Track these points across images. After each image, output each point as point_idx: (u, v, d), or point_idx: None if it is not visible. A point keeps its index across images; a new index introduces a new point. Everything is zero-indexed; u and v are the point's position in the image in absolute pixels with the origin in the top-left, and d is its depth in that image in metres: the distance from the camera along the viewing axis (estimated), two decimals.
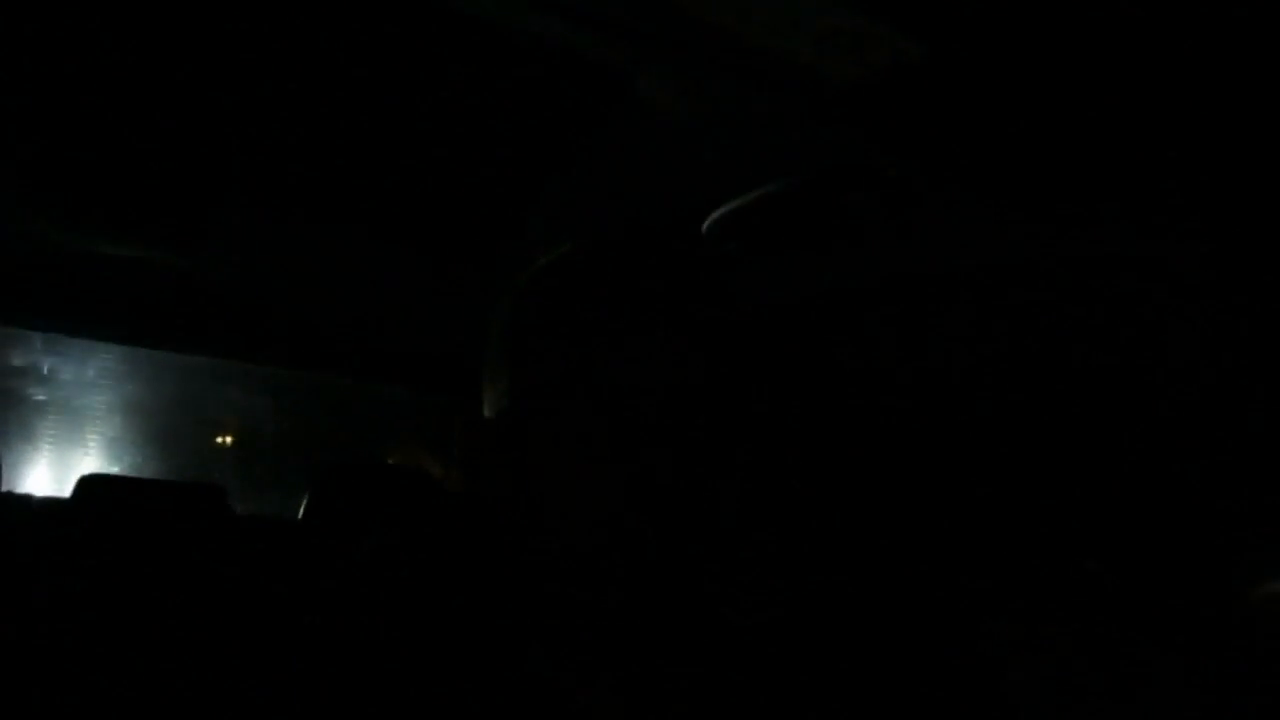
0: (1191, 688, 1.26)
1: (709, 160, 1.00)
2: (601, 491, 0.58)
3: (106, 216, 1.50)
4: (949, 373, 1.27)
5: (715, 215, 1.09)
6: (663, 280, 0.62)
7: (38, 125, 1.23)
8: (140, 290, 1.82)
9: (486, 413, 0.65)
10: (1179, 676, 1.27)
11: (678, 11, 0.72)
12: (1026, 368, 1.17)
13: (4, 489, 1.81)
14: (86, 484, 1.85)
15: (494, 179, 1.24)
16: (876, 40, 0.69)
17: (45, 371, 3.79)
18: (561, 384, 0.60)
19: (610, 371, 0.59)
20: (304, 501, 2.06)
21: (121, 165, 1.33)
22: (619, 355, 0.59)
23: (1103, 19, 0.68)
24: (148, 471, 4.04)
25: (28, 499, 2.03)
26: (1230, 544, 1.31)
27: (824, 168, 0.94)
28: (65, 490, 1.91)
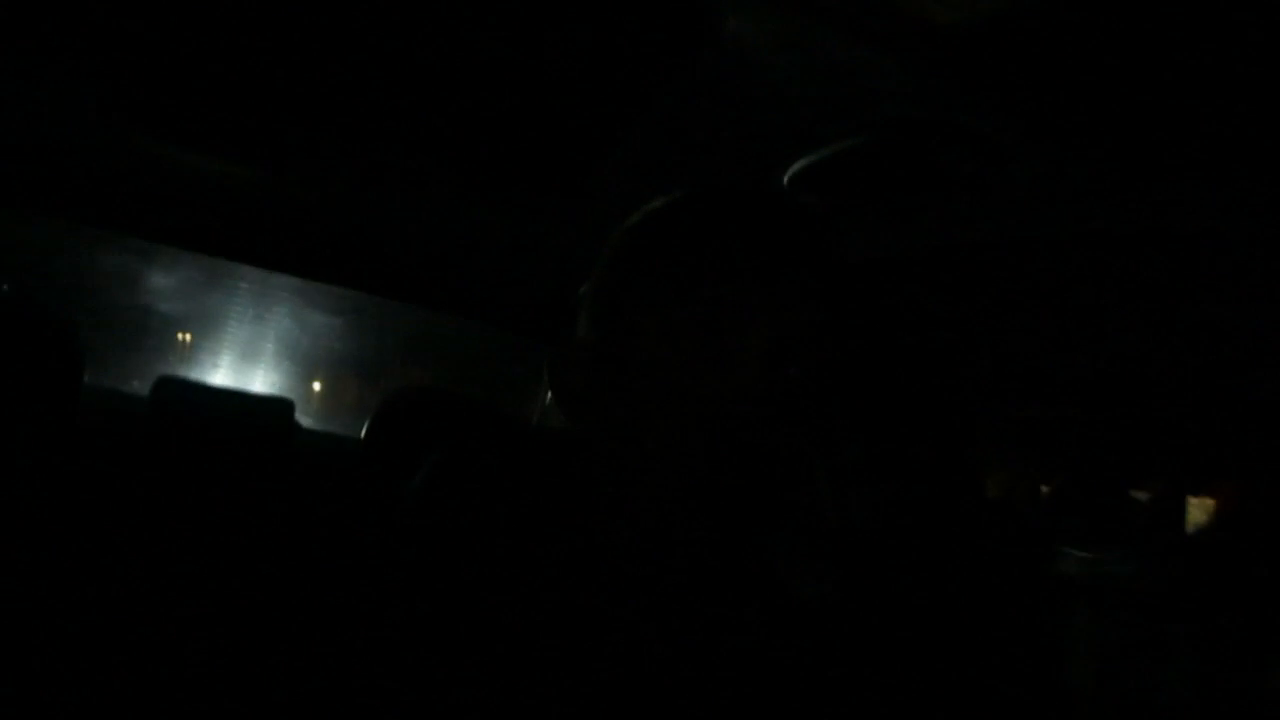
0: None
1: (796, 109, 0.97)
2: (689, 431, 0.59)
3: (199, 126, 1.53)
4: (1034, 340, 1.22)
5: (796, 167, 1.06)
6: (774, 231, 0.62)
7: (138, 34, 1.25)
8: (227, 202, 1.86)
9: (583, 337, 0.67)
10: None
11: None
12: (1120, 338, 1.12)
13: (85, 382, 1.88)
14: (163, 385, 1.92)
15: (578, 116, 1.23)
16: None
17: (132, 277, 3.92)
18: (667, 321, 0.61)
19: (715, 313, 0.59)
20: (367, 422, 2.10)
21: (214, 78, 1.35)
22: (726, 298, 0.59)
23: None
24: (220, 378, 4.18)
25: (107, 394, 2.12)
26: None
27: (912, 121, 0.90)
28: (143, 390, 1.98)
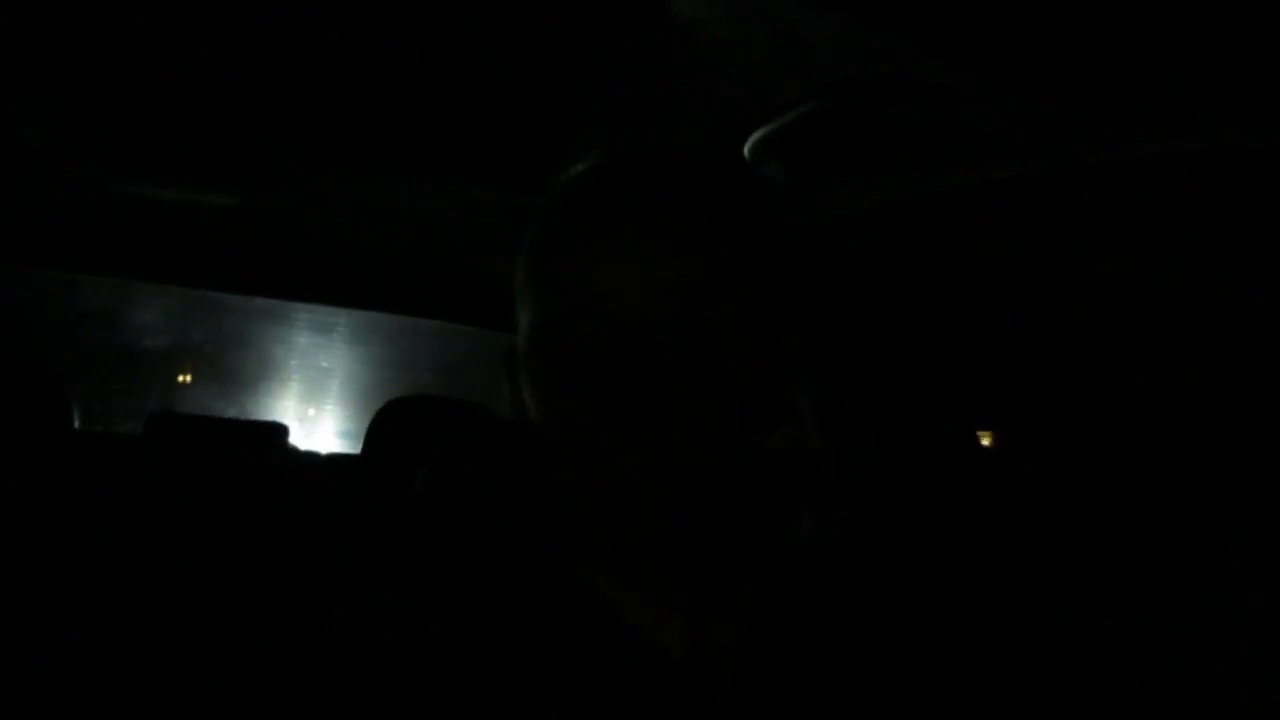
0: None
1: (751, 76, 0.97)
2: (623, 419, 0.55)
3: (161, 159, 1.51)
4: (1004, 289, 1.22)
5: (756, 136, 1.05)
6: (684, 194, 0.59)
7: (88, 71, 1.24)
8: (194, 232, 1.85)
9: (519, 340, 0.63)
10: None
11: None
12: (1090, 280, 1.11)
13: (76, 427, 1.88)
14: (156, 421, 1.92)
15: (529, 104, 1.22)
16: None
17: (112, 315, 3.91)
18: (581, 305, 0.57)
19: (626, 291, 0.56)
20: (364, 436, 2.10)
21: (168, 106, 1.34)
22: (636, 275, 0.56)
23: None
24: (213, 409, 4.17)
25: (99, 436, 2.11)
26: None
27: (867, 79, 0.90)
28: (135, 429, 1.97)
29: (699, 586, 0.61)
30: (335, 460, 2.24)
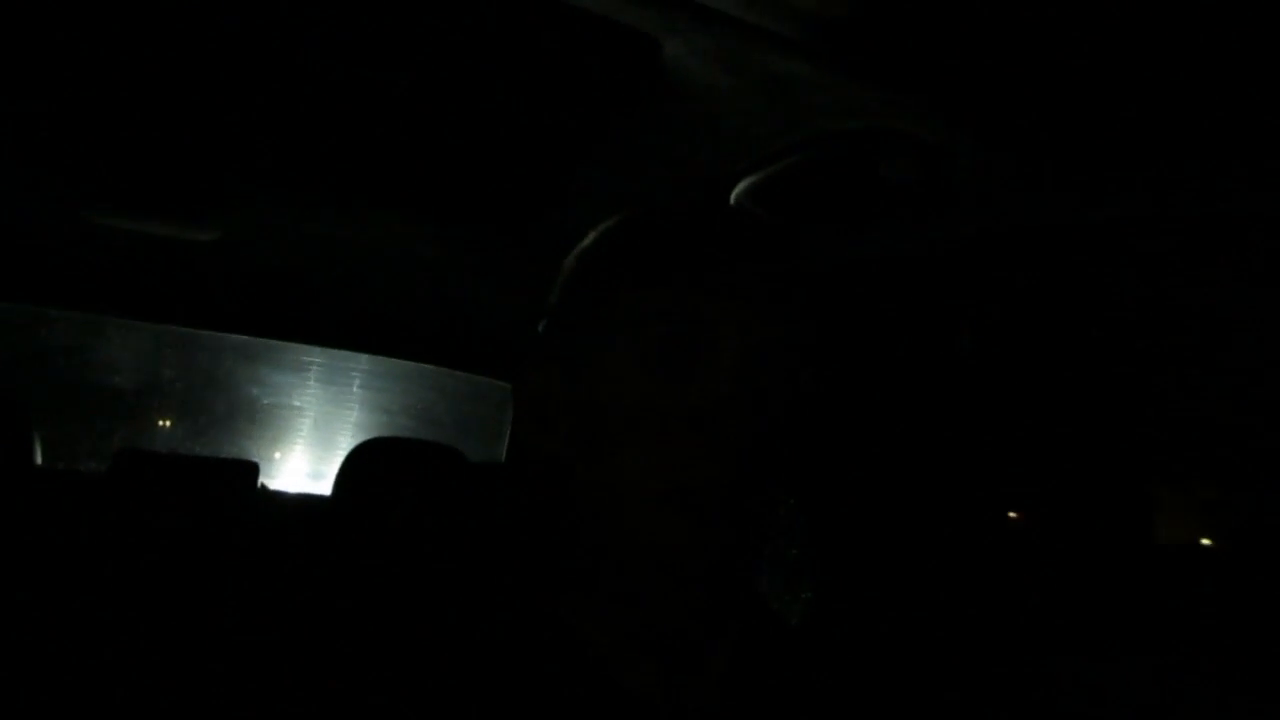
0: None
1: (741, 126, 0.98)
2: (656, 468, 0.57)
3: (137, 195, 1.50)
4: (985, 349, 1.23)
5: (742, 185, 1.07)
6: (716, 249, 0.60)
7: (69, 105, 1.24)
8: (170, 269, 1.83)
9: (544, 383, 0.64)
10: None
11: None
12: (1071, 339, 1.13)
13: (42, 464, 1.84)
14: (123, 458, 1.88)
15: (523, 152, 1.23)
16: None
17: (81, 352, 3.85)
18: (617, 354, 0.59)
19: (664, 342, 0.58)
20: (335, 477, 2.06)
21: (149, 141, 1.33)
22: (671, 325, 0.58)
23: None
24: (180, 448, 4.10)
25: (65, 473, 2.06)
26: None
27: (855, 133, 0.91)
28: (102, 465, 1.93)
29: (678, 637, 0.62)
30: (305, 500, 2.20)
